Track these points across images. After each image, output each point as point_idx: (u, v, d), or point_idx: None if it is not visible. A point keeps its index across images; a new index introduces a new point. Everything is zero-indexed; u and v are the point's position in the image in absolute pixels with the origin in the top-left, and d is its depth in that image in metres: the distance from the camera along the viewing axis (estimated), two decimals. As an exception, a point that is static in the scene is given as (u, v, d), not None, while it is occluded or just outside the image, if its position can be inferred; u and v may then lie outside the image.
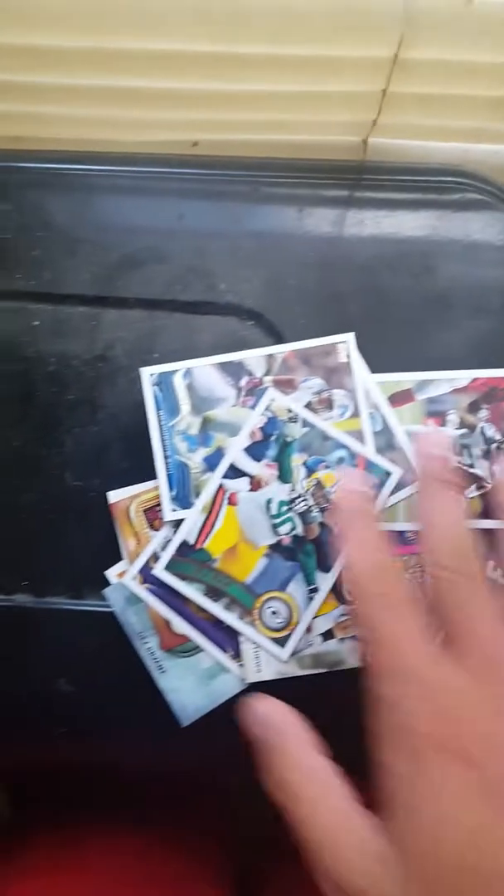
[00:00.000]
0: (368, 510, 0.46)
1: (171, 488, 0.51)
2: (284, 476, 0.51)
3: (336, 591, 0.51)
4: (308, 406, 0.52)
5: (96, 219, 0.55)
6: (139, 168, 0.56)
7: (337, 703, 0.48)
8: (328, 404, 0.52)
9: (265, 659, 0.51)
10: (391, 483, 0.51)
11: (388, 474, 0.51)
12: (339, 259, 0.55)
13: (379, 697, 0.39)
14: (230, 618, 0.50)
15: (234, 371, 0.52)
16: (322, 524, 0.51)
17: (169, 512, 0.51)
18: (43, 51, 0.52)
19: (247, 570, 0.50)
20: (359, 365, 0.52)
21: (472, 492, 0.52)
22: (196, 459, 0.51)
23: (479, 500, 0.52)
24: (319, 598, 0.51)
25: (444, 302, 0.55)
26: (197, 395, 0.51)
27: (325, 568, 0.51)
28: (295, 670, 0.51)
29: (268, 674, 0.51)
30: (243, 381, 0.51)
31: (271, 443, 0.51)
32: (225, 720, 0.50)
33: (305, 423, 0.51)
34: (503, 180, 0.56)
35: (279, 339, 0.53)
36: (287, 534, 0.51)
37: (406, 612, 0.40)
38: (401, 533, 0.51)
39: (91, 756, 0.57)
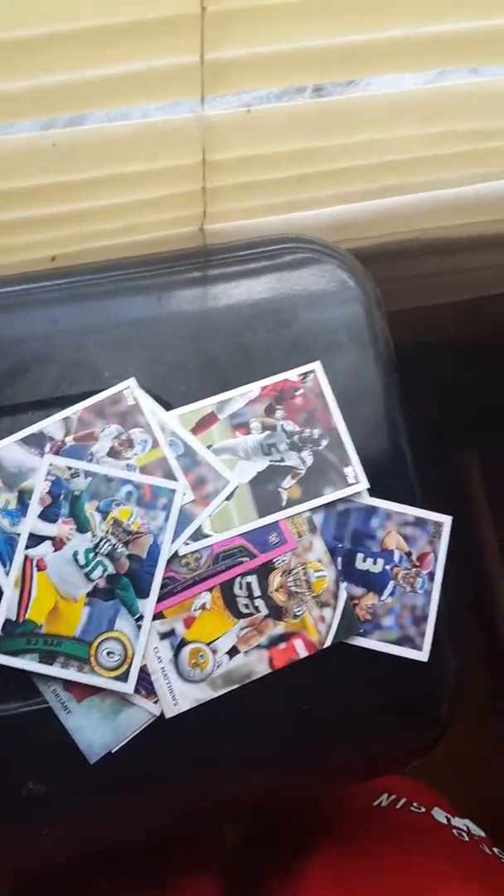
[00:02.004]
0: None
1: (3, 565, 0.53)
2: (82, 527, 0.54)
3: (231, 606, 0.54)
4: (111, 450, 0.55)
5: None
6: (8, 288, 0.64)
7: (256, 712, 0.54)
8: (129, 444, 0.56)
9: (180, 690, 0.52)
10: (178, 499, 0.54)
11: (172, 491, 0.54)
12: (204, 330, 0.60)
13: None
14: (69, 674, 0.52)
15: (37, 441, 0.55)
16: (130, 556, 0.53)
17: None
18: None
19: (73, 624, 0.52)
20: (146, 402, 0.56)
21: (289, 482, 0.56)
22: (22, 531, 0.54)
23: (297, 487, 0.56)
24: (147, 622, 0.52)
25: (301, 346, 0.60)
26: (7, 472, 0.55)
27: (144, 594, 0.53)
28: (210, 694, 0.53)
29: (185, 705, 0.52)
30: (48, 448, 0.55)
31: (61, 502, 0.54)
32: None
33: (87, 474, 0.54)
34: (324, 237, 0.64)
35: (167, 407, 0.58)
36: (101, 577, 0.53)
37: None
38: (260, 537, 0.55)
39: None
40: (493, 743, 1.25)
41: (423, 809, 0.65)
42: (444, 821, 0.65)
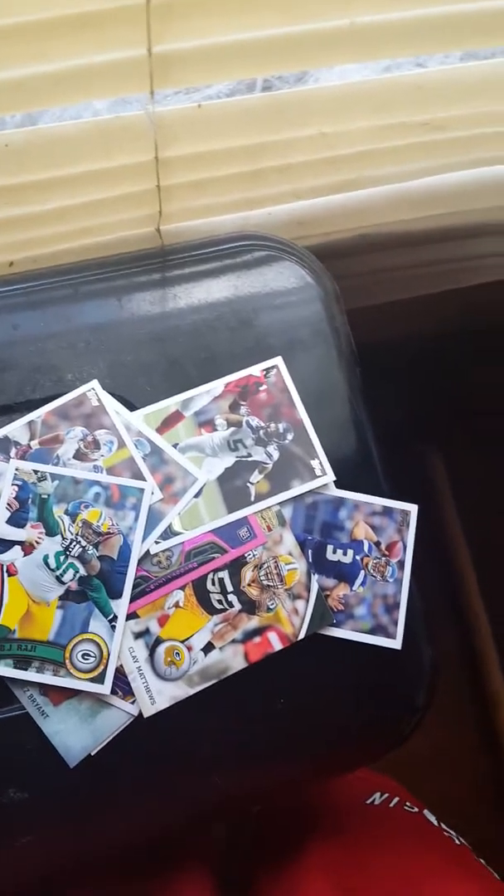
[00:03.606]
0: None
1: None
2: (51, 530, 0.53)
3: (205, 603, 0.54)
4: (77, 452, 0.55)
5: None
6: None
7: (234, 707, 0.54)
8: (95, 445, 0.55)
9: (156, 689, 0.52)
10: (146, 499, 0.54)
11: (141, 491, 0.54)
12: (165, 331, 0.60)
13: None
14: (44, 678, 0.51)
15: (1, 447, 0.55)
16: (101, 557, 0.53)
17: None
18: None
19: (46, 628, 0.52)
20: (110, 403, 0.56)
21: (256, 476, 0.57)
22: None
23: (265, 482, 0.57)
24: (121, 622, 0.52)
25: (263, 344, 0.61)
26: None
27: (117, 595, 0.53)
28: (187, 691, 0.53)
29: (162, 703, 0.52)
30: (13, 453, 0.55)
31: (29, 506, 0.54)
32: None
33: (54, 477, 0.54)
34: (280, 235, 0.64)
35: (131, 408, 0.58)
36: (72, 579, 0.53)
37: None
38: (230, 532, 0.55)
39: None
40: (466, 745, 1.26)
41: (416, 809, 0.66)
42: (435, 823, 0.65)
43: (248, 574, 0.54)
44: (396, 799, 0.67)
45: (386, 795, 0.68)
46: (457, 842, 0.63)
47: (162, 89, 0.50)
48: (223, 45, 0.48)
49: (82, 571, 0.53)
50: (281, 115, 0.58)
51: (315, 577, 0.55)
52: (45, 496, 0.54)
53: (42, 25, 0.44)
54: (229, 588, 0.54)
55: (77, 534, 0.53)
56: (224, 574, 0.54)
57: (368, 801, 0.67)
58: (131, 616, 0.53)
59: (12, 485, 0.54)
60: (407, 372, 1.13)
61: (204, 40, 0.48)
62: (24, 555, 0.53)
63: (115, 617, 0.52)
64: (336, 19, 0.48)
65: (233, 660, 0.53)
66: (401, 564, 0.57)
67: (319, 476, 0.57)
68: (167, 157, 0.58)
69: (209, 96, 0.58)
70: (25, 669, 0.51)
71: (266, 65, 0.53)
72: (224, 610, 0.54)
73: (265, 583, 0.55)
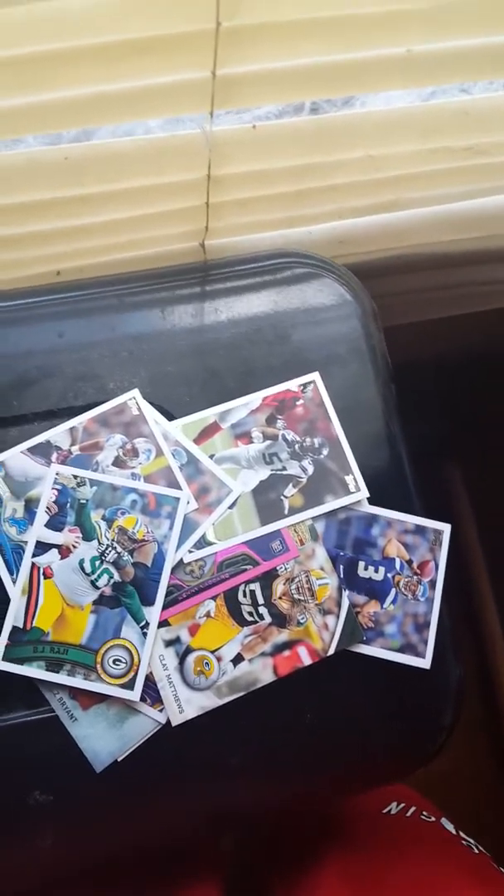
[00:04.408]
0: None
1: (10, 573, 0.54)
2: (88, 535, 0.54)
3: (236, 614, 0.54)
4: (116, 459, 0.56)
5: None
6: (15, 302, 0.65)
7: (261, 719, 0.54)
8: (134, 453, 0.56)
9: (185, 698, 0.53)
10: (182, 508, 0.55)
11: (177, 500, 0.55)
12: (206, 344, 0.61)
13: None
14: (75, 682, 0.52)
15: (43, 451, 0.56)
16: (135, 564, 0.53)
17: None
18: None
19: (80, 632, 0.53)
20: (150, 412, 0.57)
21: (291, 490, 0.57)
22: (29, 539, 0.54)
23: (299, 496, 0.57)
24: (152, 630, 0.53)
25: (300, 358, 0.62)
26: (14, 482, 0.55)
27: (150, 602, 0.53)
28: (215, 702, 0.53)
29: (191, 712, 0.53)
30: (54, 457, 0.56)
31: (68, 510, 0.55)
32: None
33: (93, 483, 0.55)
34: (320, 253, 0.65)
35: (170, 418, 0.59)
36: (106, 584, 0.53)
37: None
38: (263, 544, 0.56)
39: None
40: (483, 761, 1.25)
41: (433, 819, 0.65)
42: (453, 832, 0.65)
43: (279, 587, 0.55)
44: (413, 808, 0.67)
45: (402, 805, 0.68)
46: (476, 851, 0.62)
47: (220, 110, 0.51)
48: (283, 69, 0.49)
49: (116, 577, 0.53)
50: (329, 137, 0.59)
51: (346, 593, 0.56)
52: (84, 501, 0.54)
53: (113, 48, 0.45)
54: (260, 600, 0.54)
55: (113, 540, 0.54)
56: (256, 586, 0.55)
57: (385, 811, 0.67)
58: (163, 624, 0.53)
59: (52, 489, 0.55)
60: (436, 391, 1.13)
61: (265, 64, 0.49)
62: (61, 558, 0.54)
63: (147, 624, 0.53)
64: (392, 47, 0.49)
65: (262, 672, 0.54)
66: (432, 584, 0.57)
67: (353, 492, 0.57)
68: (218, 174, 0.58)
69: (258, 116, 0.59)
70: (57, 672, 0.52)
71: (320, 88, 0.54)
72: (255, 622, 0.54)
73: (296, 597, 0.55)
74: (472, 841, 0.64)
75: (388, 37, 0.48)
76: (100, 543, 0.54)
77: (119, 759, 0.52)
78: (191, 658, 0.53)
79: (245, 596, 0.55)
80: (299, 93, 0.55)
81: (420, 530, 0.58)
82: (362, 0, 0.46)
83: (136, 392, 0.57)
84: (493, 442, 1.26)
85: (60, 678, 0.52)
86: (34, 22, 0.43)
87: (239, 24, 0.45)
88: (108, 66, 0.46)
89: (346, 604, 0.55)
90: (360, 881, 0.59)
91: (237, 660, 0.54)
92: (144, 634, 0.53)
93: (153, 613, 0.53)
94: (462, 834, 0.65)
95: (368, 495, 0.57)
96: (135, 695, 0.52)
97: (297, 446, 0.58)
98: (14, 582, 0.53)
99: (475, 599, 1.29)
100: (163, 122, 0.62)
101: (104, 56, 0.45)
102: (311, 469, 0.57)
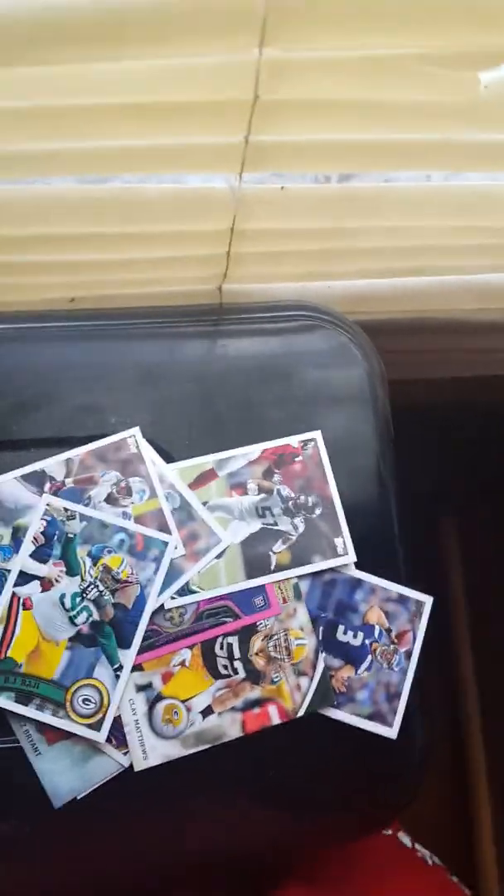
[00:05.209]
0: None
1: None
2: (72, 570, 0.54)
3: (210, 666, 0.54)
4: (109, 496, 0.56)
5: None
6: (25, 324, 0.63)
7: (224, 773, 0.54)
8: (128, 492, 0.56)
9: (150, 745, 0.53)
10: (169, 552, 0.55)
11: (165, 544, 0.55)
12: (211, 388, 0.61)
13: None
14: (43, 717, 0.52)
15: (37, 480, 0.56)
16: (115, 605, 0.53)
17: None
18: None
19: (53, 667, 0.53)
20: (148, 452, 0.57)
21: (279, 546, 0.57)
22: (12, 568, 0.54)
23: (287, 553, 0.57)
24: (125, 674, 0.53)
25: (304, 411, 0.62)
26: (4, 508, 0.55)
27: (126, 645, 0.53)
28: (180, 751, 0.53)
29: (154, 760, 0.52)
30: (47, 487, 0.56)
31: (54, 543, 0.55)
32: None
33: (83, 518, 0.55)
34: (333, 307, 0.66)
35: (168, 459, 0.58)
36: (85, 622, 0.53)
37: None
38: (246, 598, 0.56)
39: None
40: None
41: (390, 832, 0.66)
42: (409, 844, 0.65)
43: (257, 643, 0.55)
44: None
45: None
46: (429, 862, 0.63)
47: (250, 173, 0.51)
48: (315, 142, 0.50)
49: (96, 616, 0.53)
50: (354, 204, 0.59)
51: (322, 656, 0.56)
52: (72, 535, 0.55)
53: (153, 107, 0.46)
54: (237, 654, 0.55)
55: (96, 577, 0.54)
56: (234, 639, 0.55)
57: None
58: (136, 668, 0.53)
59: (42, 519, 0.55)
60: (437, 444, 1.13)
61: (298, 136, 0.49)
62: (42, 590, 0.54)
63: (121, 667, 0.53)
64: (429, 133, 0.49)
65: (230, 727, 0.54)
66: (408, 654, 0.57)
67: (341, 555, 0.57)
68: (243, 228, 0.59)
69: (289, 178, 0.60)
70: (26, 705, 0.52)
71: (351, 163, 0.55)
72: (228, 676, 0.54)
73: (273, 654, 0.55)
74: (426, 852, 0.65)
75: (425, 124, 0.49)
76: (83, 580, 0.54)
77: (79, 797, 0.52)
78: (160, 706, 0.53)
79: (222, 648, 0.55)
80: (326, 164, 0.56)
81: (402, 600, 0.58)
82: (400, 84, 0.46)
83: (136, 430, 0.57)
84: (490, 498, 1.26)
85: (28, 711, 0.52)
86: (80, 78, 0.44)
87: (277, 98, 0.46)
88: (146, 123, 0.47)
89: (321, 667, 0.55)
90: (321, 892, 0.59)
91: (207, 712, 0.54)
92: (117, 677, 0.53)
93: (128, 657, 0.53)
94: (417, 846, 0.66)
95: (356, 560, 0.57)
96: (101, 736, 0.52)
97: (290, 503, 0.58)
98: (-4, 609, 0.53)
99: (456, 667, 1.28)
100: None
101: (144, 114, 0.46)
102: (302, 527, 0.58)
